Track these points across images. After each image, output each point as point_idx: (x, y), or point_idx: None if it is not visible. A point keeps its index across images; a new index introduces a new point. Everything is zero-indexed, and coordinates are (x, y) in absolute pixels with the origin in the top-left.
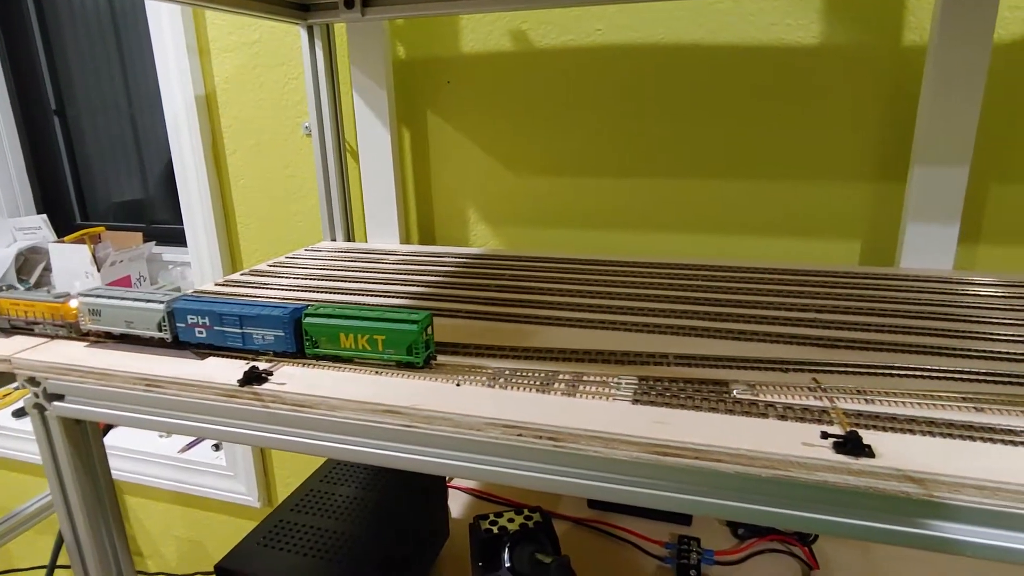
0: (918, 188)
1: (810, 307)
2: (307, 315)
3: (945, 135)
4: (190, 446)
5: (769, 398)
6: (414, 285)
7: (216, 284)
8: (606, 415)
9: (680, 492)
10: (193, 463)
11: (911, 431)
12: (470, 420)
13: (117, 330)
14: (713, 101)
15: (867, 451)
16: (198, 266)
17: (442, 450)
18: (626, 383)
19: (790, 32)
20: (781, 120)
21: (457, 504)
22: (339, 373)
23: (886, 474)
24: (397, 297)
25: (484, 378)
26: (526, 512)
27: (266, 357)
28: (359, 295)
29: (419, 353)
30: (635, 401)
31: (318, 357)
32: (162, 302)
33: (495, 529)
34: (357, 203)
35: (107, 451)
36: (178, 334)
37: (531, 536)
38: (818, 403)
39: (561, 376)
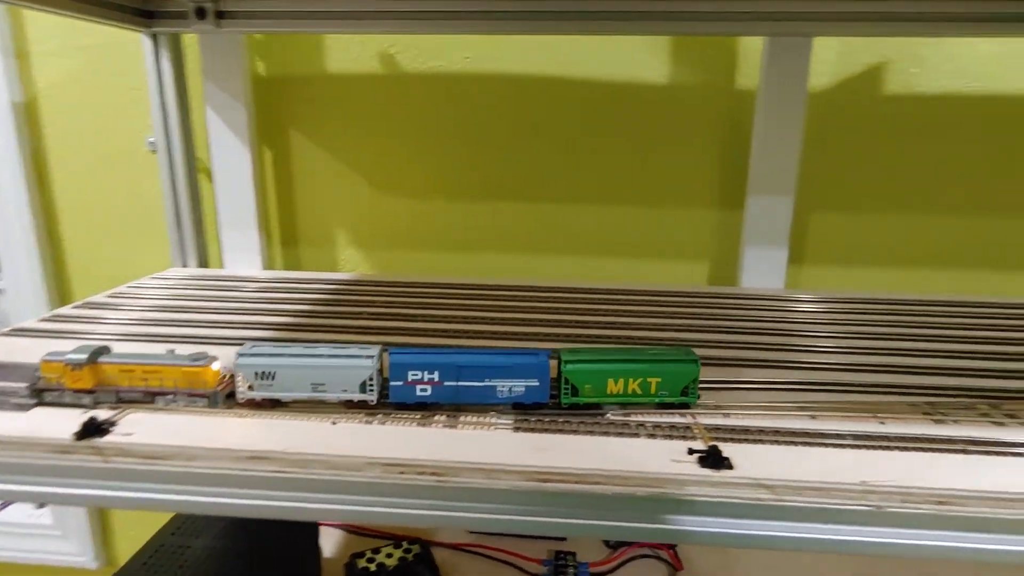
0: (752, 216)
1: (668, 327)
2: (567, 361)
3: (773, 169)
4: (4, 505)
5: (639, 418)
6: (278, 315)
7: (41, 320)
8: (488, 446)
9: (563, 517)
10: (9, 525)
11: (761, 441)
12: (349, 460)
13: (291, 396)
14: (575, 130)
15: (726, 463)
16: (16, 296)
17: (318, 494)
18: (506, 412)
19: (640, 71)
20: (636, 150)
21: (330, 542)
22: (195, 417)
23: (743, 483)
24: (258, 329)
25: (363, 414)
26: (405, 545)
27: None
28: (215, 327)
29: (694, 392)
30: (516, 429)
31: (576, 407)
32: (371, 356)
33: (373, 567)
34: (212, 226)
35: None
36: (390, 394)
37: (411, 569)
38: (682, 420)
39: (441, 407)
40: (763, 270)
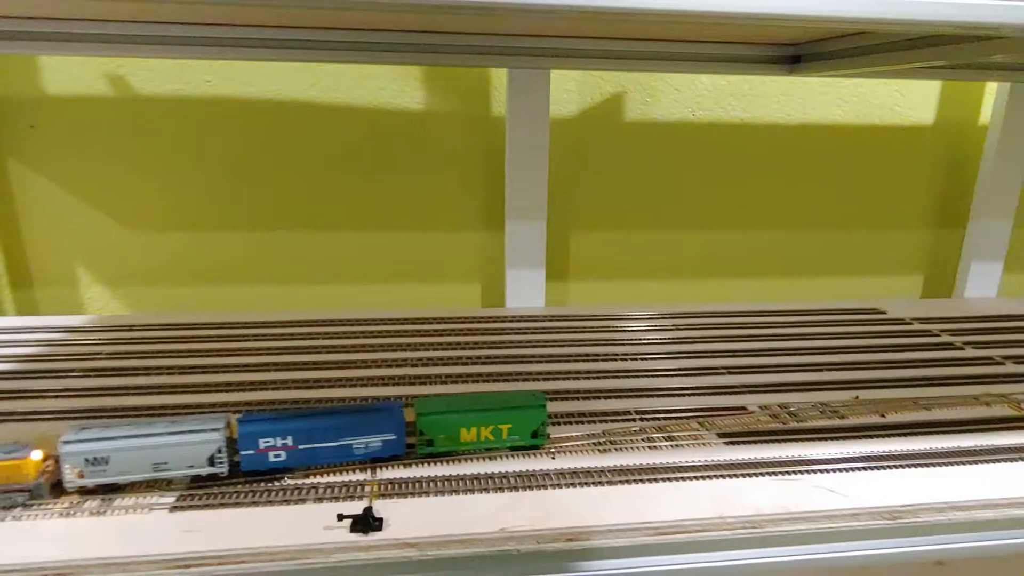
0: (511, 239)
1: (444, 360)
2: (420, 414)
3: (525, 194)
4: None
5: (315, 479)
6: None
7: None
8: (134, 534)
9: None
10: None
11: (427, 493)
12: None
13: (129, 479)
14: (335, 157)
15: (376, 525)
16: None
17: None
18: (175, 487)
19: (396, 97)
20: (402, 175)
21: None
22: None
23: (389, 545)
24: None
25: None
26: None
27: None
28: None
29: (543, 434)
30: (173, 509)
31: (432, 456)
32: (218, 428)
33: None
34: None
35: None
36: (241, 463)
37: None
38: (361, 476)
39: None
40: (525, 290)
